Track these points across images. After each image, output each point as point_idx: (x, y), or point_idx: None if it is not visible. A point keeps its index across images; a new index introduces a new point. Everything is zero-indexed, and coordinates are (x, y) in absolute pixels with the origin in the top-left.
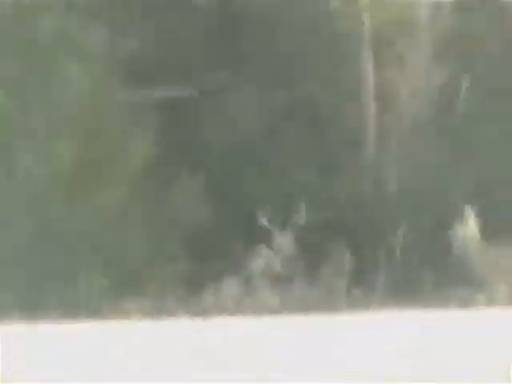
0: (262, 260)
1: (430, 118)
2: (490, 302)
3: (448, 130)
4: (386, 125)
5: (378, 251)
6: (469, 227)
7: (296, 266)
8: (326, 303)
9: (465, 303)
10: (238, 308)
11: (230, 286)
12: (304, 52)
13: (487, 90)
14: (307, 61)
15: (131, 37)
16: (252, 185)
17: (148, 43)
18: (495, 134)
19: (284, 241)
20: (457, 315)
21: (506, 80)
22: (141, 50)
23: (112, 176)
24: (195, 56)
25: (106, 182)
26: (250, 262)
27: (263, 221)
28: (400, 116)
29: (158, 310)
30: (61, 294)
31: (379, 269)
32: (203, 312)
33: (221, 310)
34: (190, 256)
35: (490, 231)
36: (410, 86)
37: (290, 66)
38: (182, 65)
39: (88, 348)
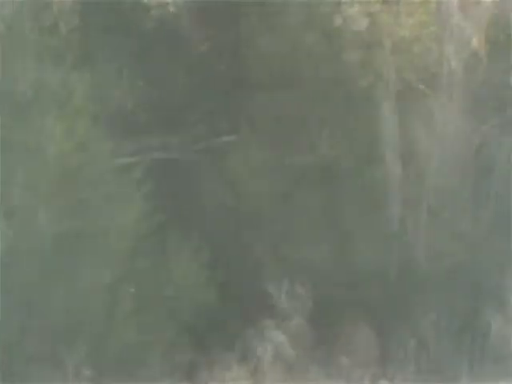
0: (272, 345)
1: (463, 182)
2: None
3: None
4: (412, 190)
5: (407, 336)
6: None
7: (312, 353)
8: None
9: None
10: None
11: (237, 376)
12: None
13: None
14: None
15: (124, 92)
16: (263, 259)
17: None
18: None
19: (298, 322)
20: None
21: None
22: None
23: (99, 251)
24: (198, 116)
25: (93, 258)
26: (258, 347)
27: (276, 301)
28: (428, 180)
29: None
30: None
31: (408, 357)
32: None
33: None
34: (191, 343)
35: None
36: (441, 146)
37: (300, 127)
38: (181, 124)
39: None
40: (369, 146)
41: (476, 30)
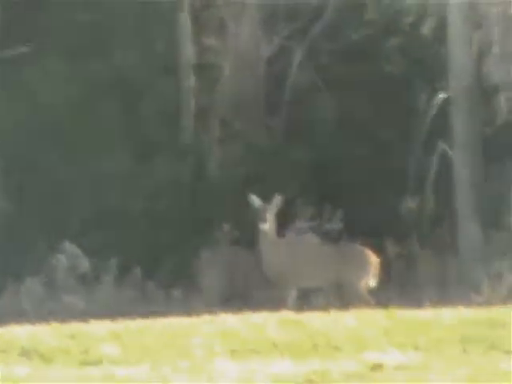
0: (67, 258)
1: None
2: None
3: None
4: (206, 101)
5: (200, 248)
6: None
7: (106, 265)
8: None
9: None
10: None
11: (30, 288)
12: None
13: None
14: (115, 29)
15: None
16: (59, 169)
17: None
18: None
19: (93, 236)
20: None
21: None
22: None
23: None
24: None
25: None
26: (53, 259)
27: (71, 213)
28: (223, 92)
29: None
30: None
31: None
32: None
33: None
34: None
35: None
36: (234, 58)
37: (95, 35)
38: None
39: None
40: (161, 56)
41: None
